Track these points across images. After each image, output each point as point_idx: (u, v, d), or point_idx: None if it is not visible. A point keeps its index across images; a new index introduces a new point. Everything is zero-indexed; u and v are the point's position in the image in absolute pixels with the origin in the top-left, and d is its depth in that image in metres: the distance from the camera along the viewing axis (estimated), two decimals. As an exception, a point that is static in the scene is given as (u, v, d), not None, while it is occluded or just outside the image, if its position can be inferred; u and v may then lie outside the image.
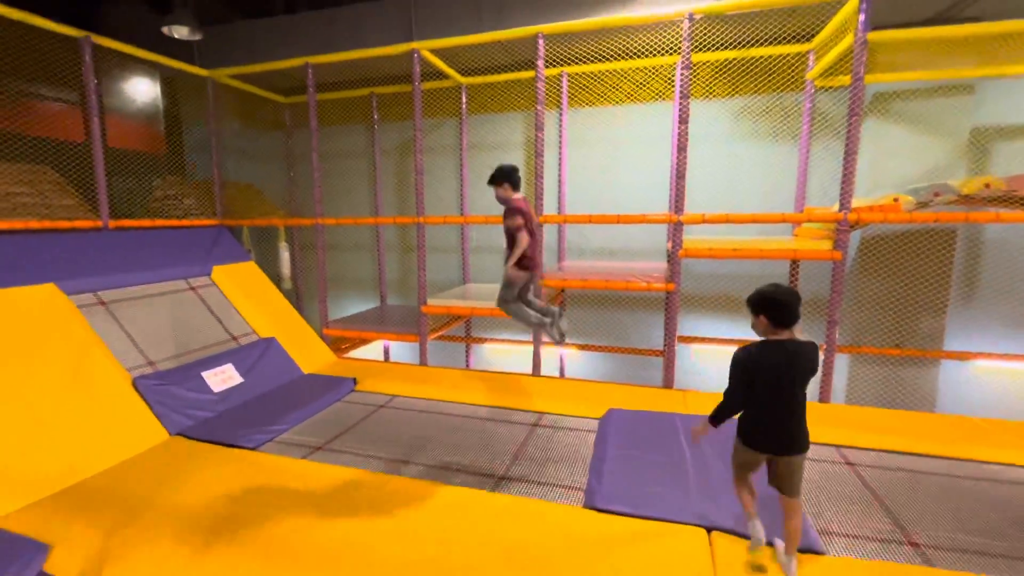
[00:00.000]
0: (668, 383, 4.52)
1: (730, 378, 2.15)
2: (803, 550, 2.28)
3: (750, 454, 2.16)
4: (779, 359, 2.04)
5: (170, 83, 7.15)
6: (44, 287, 3.67)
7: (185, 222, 5.38)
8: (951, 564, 2.22)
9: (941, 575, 2.13)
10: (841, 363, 5.39)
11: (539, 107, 4.52)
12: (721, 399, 2.20)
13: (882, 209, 3.92)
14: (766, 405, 2.07)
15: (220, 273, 5.13)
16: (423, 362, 5.32)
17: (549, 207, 6.20)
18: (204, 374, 4.10)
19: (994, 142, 4.81)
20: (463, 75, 6.11)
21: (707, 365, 5.89)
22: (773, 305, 2.07)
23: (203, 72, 5.65)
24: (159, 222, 5.11)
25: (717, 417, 2.22)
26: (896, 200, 3.88)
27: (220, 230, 5.67)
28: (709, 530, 2.44)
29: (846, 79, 4.77)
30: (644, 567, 2.19)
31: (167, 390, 3.75)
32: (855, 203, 4.06)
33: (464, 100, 6.37)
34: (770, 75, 5.18)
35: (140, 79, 6.98)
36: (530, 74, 5.59)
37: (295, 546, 2.33)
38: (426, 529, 2.45)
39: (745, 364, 2.09)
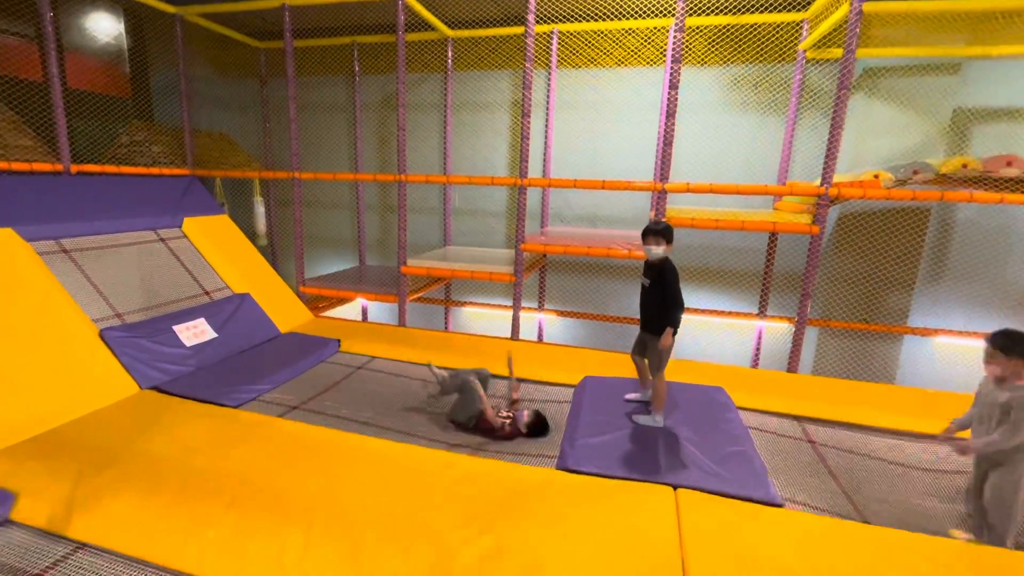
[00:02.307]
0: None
1: (675, 285, 2.97)
2: (762, 502, 2.43)
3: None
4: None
5: (135, 20, 6.69)
6: (2, 231, 3.49)
7: (154, 170, 5.14)
8: (890, 523, 2.37)
9: (882, 533, 2.26)
10: (810, 335, 5.56)
11: (527, 64, 4.38)
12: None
13: (862, 185, 3.96)
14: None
15: (191, 225, 4.95)
16: (402, 323, 5.29)
17: (534, 170, 6.11)
18: (175, 327, 4.00)
19: (974, 124, 4.86)
20: (450, 28, 5.86)
21: (683, 334, 6.01)
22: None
23: (171, 8, 5.28)
24: (125, 169, 4.86)
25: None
26: (876, 176, 3.93)
27: (191, 180, 5.44)
28: (675, 487, 2.53)
29: (838, 52, 4.74)
30: (612, 518, 2.27)
31: (136, 342, 3.66)
32: (836, 178, 4.09)
33: (450, 54, 6.13)
34: (763, 44, 5.10)
35: (102, 14, 6.51)
36: (520, 29, 5.39)
37: (268, 499, 2.33)
38: (400, 487, 2.48)
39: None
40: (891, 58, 4.79)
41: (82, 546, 2.11)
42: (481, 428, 3.10)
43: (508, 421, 3.09)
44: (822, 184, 3.99)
